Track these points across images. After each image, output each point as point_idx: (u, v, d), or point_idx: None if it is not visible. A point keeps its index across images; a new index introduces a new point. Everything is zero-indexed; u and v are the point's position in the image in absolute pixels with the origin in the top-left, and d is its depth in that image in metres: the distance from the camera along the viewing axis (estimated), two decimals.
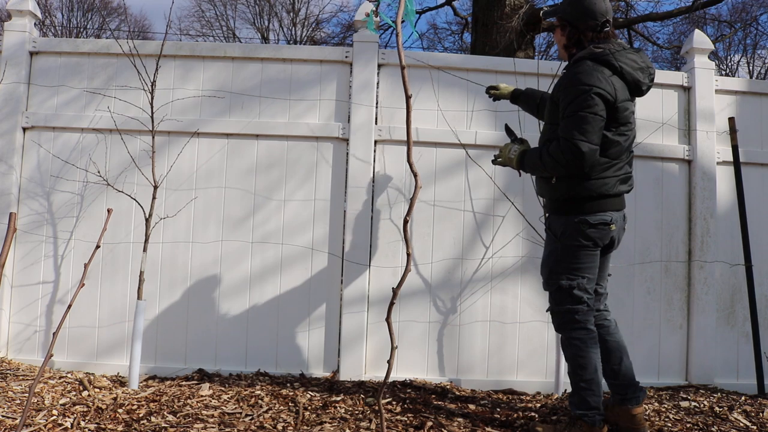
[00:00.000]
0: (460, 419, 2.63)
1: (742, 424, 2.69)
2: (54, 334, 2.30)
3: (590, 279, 2.39)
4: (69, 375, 3.13)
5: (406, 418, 2.61)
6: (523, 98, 2.88)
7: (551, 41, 14.81)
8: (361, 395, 2.92)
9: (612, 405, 2.50)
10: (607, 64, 2.30)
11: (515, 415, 2.72)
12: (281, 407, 2.72)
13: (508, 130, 2.67)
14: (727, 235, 3.49)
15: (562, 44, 2.46)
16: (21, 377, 3.01)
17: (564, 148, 2.26)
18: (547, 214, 2.54)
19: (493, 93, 2.97)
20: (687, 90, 3.57)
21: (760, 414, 2.82)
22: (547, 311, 2.52)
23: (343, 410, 2.70)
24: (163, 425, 2.45)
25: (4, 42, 3.42)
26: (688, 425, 2.65)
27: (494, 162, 2.64)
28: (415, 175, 2.33)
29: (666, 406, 2.91)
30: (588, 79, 2.24)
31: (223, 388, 2.96)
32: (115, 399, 2.76)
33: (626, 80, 2.32)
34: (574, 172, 2.31)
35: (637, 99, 2.48)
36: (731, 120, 3.50)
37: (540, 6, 8.13)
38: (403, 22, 2.43)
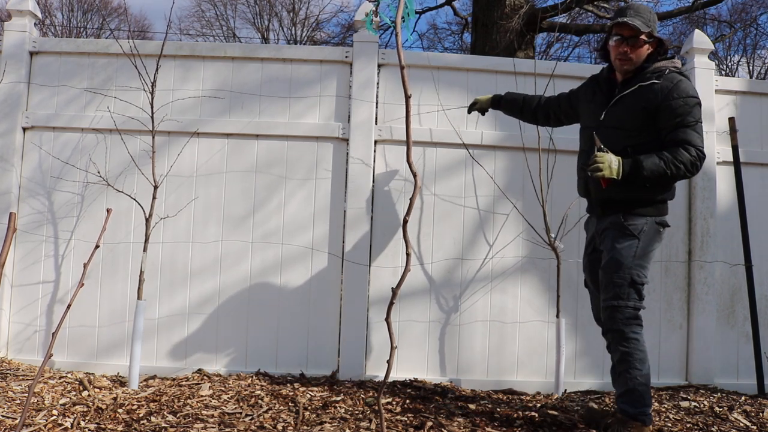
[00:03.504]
0: (460, 419, 2.63)
1: (742, 424, 2.68)
2: (53, 333, 2.30)
3: (648, 279, 2.48)
4: (69, 375, 3.13)
5: (406, 418, 2.61)
6: (504, 103, 2.98)
7: (551, 41, 14.83)
8: (361, 395, 2.92)
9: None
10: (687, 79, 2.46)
11: (515, 415, 2.72)
12: (281, 407, 2.72)
13: (595, 141, 2.50)
14: (727, 235, 3.49)
15: (645, 54, 2.47)
16: (21, 377, 3.01)
17: (695, 157, 2.37)
18: (621, 214, 2.48)
19: (476, 109, 3.05)
20: None
21: (760, 414, 2.82)
22: (606, 307, 2.45)
23: (343, 410, 2.70)
24: (163, 425, 2.45)
25: (4, 42, 3.42)
26: (688, 425, 2.64)
27: (592, 174, 2.41)
28: (415, 175, 2.33)
29: (666, 406, 2.91)
30: (695, 92, 2.41)
31: (223, 388, 2.96)
32: (115, 399, 2.76)
33: None
34: (689, 178, 2.55)
35: None
36: (731, 120, 3.50)
37: (540, 6, 8.12)
38: (403, 21, 2.43)
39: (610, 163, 2.38)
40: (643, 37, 2.43)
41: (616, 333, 2.42)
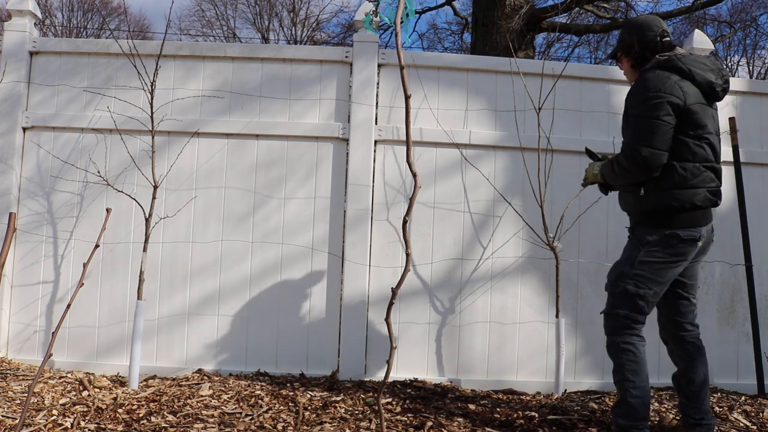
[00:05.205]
0: (460, 419, 2.63)
1: (742, 424, 2.68)
2: (53, 333, 2.30)
3: (657, 293, 2.32)
4: (69, 375, 3.13)
5: (406, 418, 2.61)
6: None
7: (551, 41, 14.83)
8: (361, 395, 2.92)
9: (680, 427, 2.48)
10: (675, 69, 2.28)
11: (515, 415, 2.72)
12: (281, 407, 2.72)
13: (589, 153, 2.60)
14: (727, 235, 3.49)
15: (630, 66, 2.44)
16: (21, 377, 3.01)
17: (627, 155, 2.27)
18: (634, 224, 2.45)
19: None
20: None
21: (760, 414, 2.82)
22: (601, 313, 2.45)
23: (343, 410, 2.70)
24: (163, 425, 2.45)
25: (4, 42, 3.42)
26: None
27: (584, 185, 2.61)
28: (415, 175, 2.33)
29: (666, 406, 2.91)
30: (653, 85, 2.24)
31: (223, 388, 2.96)
32: (115, 399, 2.76)
33: (697, 82, 2.27)
34: (640, 179, 2.29)
35: None
36: (731, 120, 3.50)
37: (540, 6, 8.12)
38: (402, 22, 2.43)
39: (593, 170, 2.53)
40: (619, 54, 2.49)
41: (610, 342, 2.38)
